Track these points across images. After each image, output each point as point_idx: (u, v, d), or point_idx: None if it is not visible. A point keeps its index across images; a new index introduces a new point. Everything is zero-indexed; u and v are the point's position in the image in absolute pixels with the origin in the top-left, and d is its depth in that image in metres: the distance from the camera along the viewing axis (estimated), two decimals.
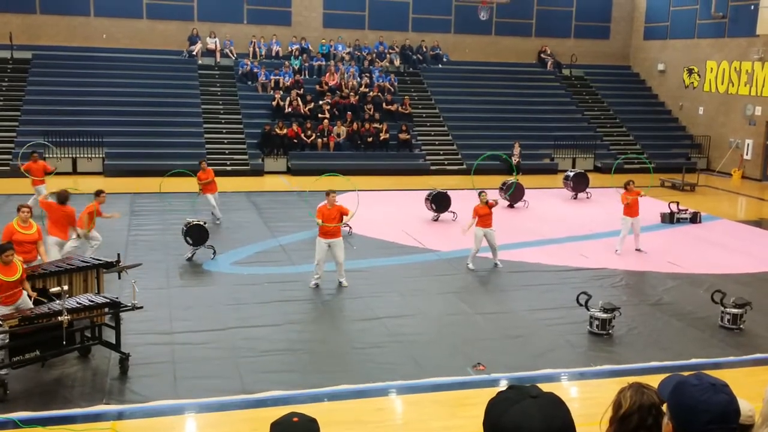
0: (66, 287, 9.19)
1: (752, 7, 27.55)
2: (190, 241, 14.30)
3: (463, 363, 9.59)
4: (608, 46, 35.14)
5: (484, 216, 14.08)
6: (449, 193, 18.90)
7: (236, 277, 13.39)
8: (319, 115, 27.72)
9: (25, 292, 9.23)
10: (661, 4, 33.21)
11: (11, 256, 9.02)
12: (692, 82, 31.37)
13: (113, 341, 9.25)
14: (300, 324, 10.96)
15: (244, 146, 26.45)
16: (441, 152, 28.13)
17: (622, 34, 35.20)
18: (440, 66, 32.42)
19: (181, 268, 13.95)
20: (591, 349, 10.35)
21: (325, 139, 26.69)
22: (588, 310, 10.91)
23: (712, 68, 30.15)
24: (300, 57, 30.24)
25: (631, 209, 15.48)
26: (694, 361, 9.94)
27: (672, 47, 32.56)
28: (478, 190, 15.09)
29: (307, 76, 29.91)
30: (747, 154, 28.37)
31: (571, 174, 22.67)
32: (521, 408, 2.08)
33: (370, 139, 26.99)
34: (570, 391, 9.19)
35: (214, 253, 14.50)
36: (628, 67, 35.38)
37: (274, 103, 27.72)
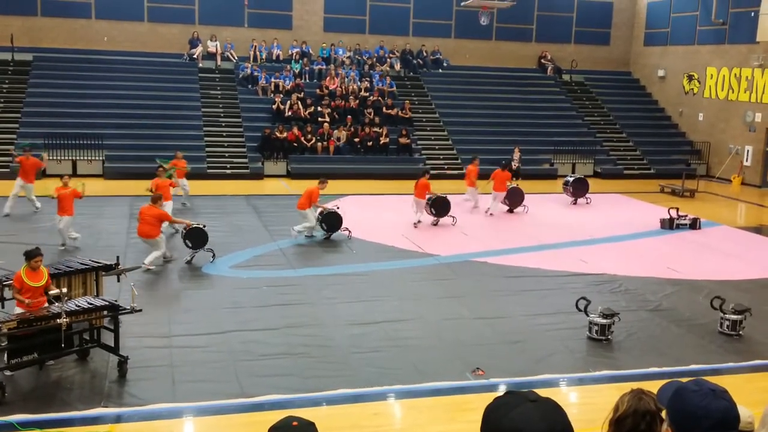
0: (65, 290, 9.19)
1: (752, 14, 27.60)
2: (190, 244, 14.30)
3: (462, 368, 9.58)
4: (608, 51, 35.18)
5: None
6: (449, 197, 18.90)
7: (235, 280, 13.37)
8: (320, 119, 27.74)
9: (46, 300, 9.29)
10: (661, 10, 33.28)
11: (39, 262, 9.13)
12: (692, 89, 31.41)
13: (112, 344, 9.24)
14: (298, 328, 10.94)
15: (244, 149, 26.45)
16: (441, 157, 28.13)
17: (622, 40, 35.25)
18: (440, 70, 32.45)
19: (180, 271, 13.94)
20: (590, 354, 10.34)
21: (325, 143, 26.71)
22: (587, 315, 10.90)
23: (712, 74, 30.19)
24: (300, 61, 30.27)
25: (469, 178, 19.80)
26: (693, 367, 9.92)
27: (672, 53, 32.60)
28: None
29: (307, 80, 29.94)
30: (747, 161, 28.39)
31: (571, 179, 22.68)
32: (522, 411, 2.08)
33: (370, 143, 27.00)
34: (569, 396, 9.18)
35: (214, 256, 14.49)
36: (629, 73, 35.42)
37: (274, 106, 27.73)
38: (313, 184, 17.12)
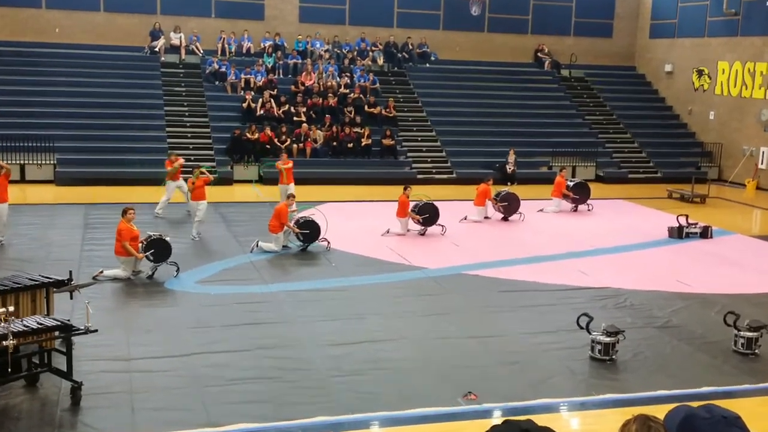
0: (11, 308, 9.09)
1: (767, 2, 27.92)
2: (151, 258, 14.22)
3: (452, 392, 9.58)
4: (611, 44, 35.47)
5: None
6: (437, 204, 18.93)
7: (202, 297, 13.31)
8: (295, 119, 27.73)
9: None
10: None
11: None
12: (702, 85, 31.71)
13: (64, 368, 9.16)
14: (272, 349, 10.90)
15: (212, 152, 26.37)
16: (429, 159, 28.20)
17: (626, 32, 35.55)
18: (428, 65, 32.56)
19: (140, 286, 13.85)
20: (592, 376, 10.38)
21: (301, 144, 26.70)
22: (589, 333, 10.94)
23: (724, 69, 30.51)
24: (274, 55, 30.27)
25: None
26: (704, 389, 9.98)
27: (680, 46, 32.92)
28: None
29: (281, 76, 29.93)
30: (762, 163, 28.66)
31: (571, 184, 22.80)
32: None
33: (350, 145, 27.03)
34: (570, 422, 9.19)
35: (178, 270, 14.42)
36: (633, 68, 35.71)
37: (244, 104, 27.70)
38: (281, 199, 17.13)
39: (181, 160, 20.63)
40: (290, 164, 21.16)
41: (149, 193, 21.46)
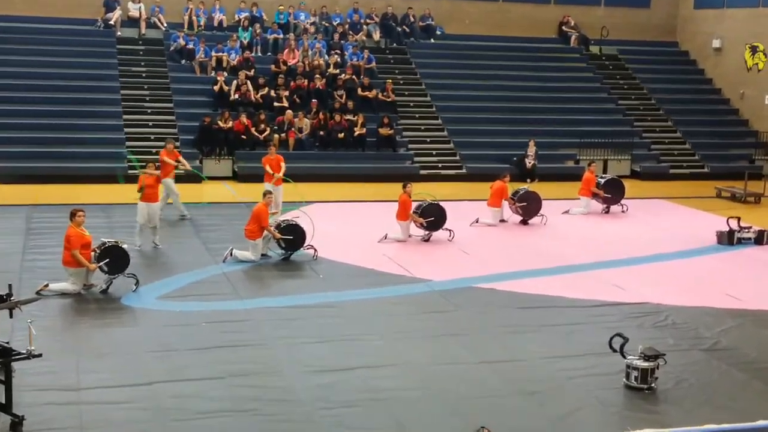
0: None
1: None
2: (105, 269, 14.19)
3: (461, 427, 9.56)
4: (648, 16, 35.50)
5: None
6: (444, 205, 18.92)
7: (165, 315, 13.28)
8: (276, 104, 27.70)
9: None
10: None
11: None
12: (757, 63, 31.74)
13: (2, 400, 9.13)
14: (248, 377, 10.88)
15: (177, 144, 26.34)
16: (434, 152, 28.19)
17: (666, 2, 35.59)
18: (432, 41, 32.57)
19: (92, 303, 13.82)
20: (627, 408, 10.37)
21: (283, 134, 26.68)
22: (624, 357, 10.93)
23: None
24: (250, 29, 30.27)
25: None
26: (760, 423, 9.96)
27: (731, 18, 32.93)
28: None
29: (259, 54, 29.92)
30: None
31: (602, 181, 22.79)
32: None
33: (341, 135, 27.01)
34: None
35: (137, 283, 14.39)
36: (675, 44, 35.74)
37: (216, 87, 27.68)
38: (260, 199, 17.03)
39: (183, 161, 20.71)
40: (281, 166, 20.62)
41: (103, 193, 21.42)
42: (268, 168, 20.51)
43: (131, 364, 11.14)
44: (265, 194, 17.16)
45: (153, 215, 17.28)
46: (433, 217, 18.55)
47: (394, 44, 32.07)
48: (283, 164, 20.65)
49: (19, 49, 28.07)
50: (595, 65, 33.63)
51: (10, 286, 10.92)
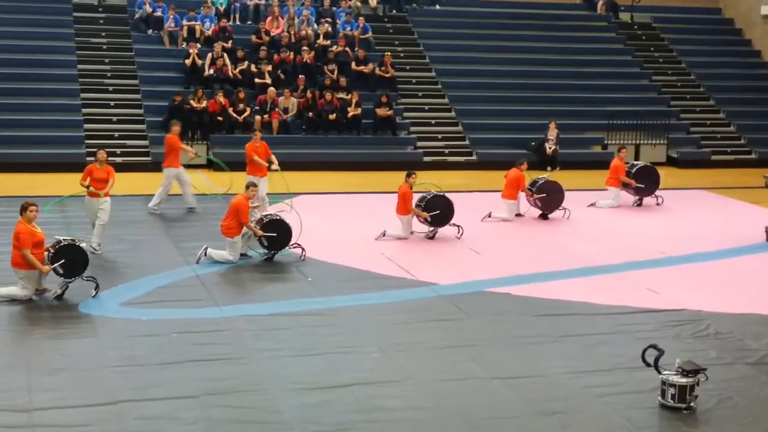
0: None
1: None
2: (60, 271, 14.17)
3: None
4: None
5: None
6: (451, 197, 18.92)
7: (129, 324, 13.27)
8: (257, 80, 27.70)
9: None
10: None
11: None
12: None
13: None
14: (225, 395, 10.88)
15: (143, 127, 26.37)
16: (439, 136, 28.20)
17: None
18: (438, 7, 32.62)
19: (45, 310, 13.82)
20: (663, 430, 10.38)
21: (265, 116, 26.68)
22: (659, 372, 10.94)
23: None
24: None
25: None
26: None
27: None
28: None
29: (238, 22, 29.95)
30: None
31: (634, 169, 22.81)
32: None
33: (332, 117, 27.01)
34: None
35: (97, 287, 14.38)
36: (717, 11, 35.77)
37: (188, 61, 27.69)
38: (241, 190, 17.00)
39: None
40: (268, 154, 20.60)
41: (57, 183, 21.41)
42: (256, 158, 20.28)
43: (90, 382, 11.13)
44: (248, 186, 17.04)
45: (95, 211, 17.15)
46: (438, 211, 18.57)
47: (394, 11, 32.09)
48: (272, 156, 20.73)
49: None
50: (626, 35, 33.65)
51: None
